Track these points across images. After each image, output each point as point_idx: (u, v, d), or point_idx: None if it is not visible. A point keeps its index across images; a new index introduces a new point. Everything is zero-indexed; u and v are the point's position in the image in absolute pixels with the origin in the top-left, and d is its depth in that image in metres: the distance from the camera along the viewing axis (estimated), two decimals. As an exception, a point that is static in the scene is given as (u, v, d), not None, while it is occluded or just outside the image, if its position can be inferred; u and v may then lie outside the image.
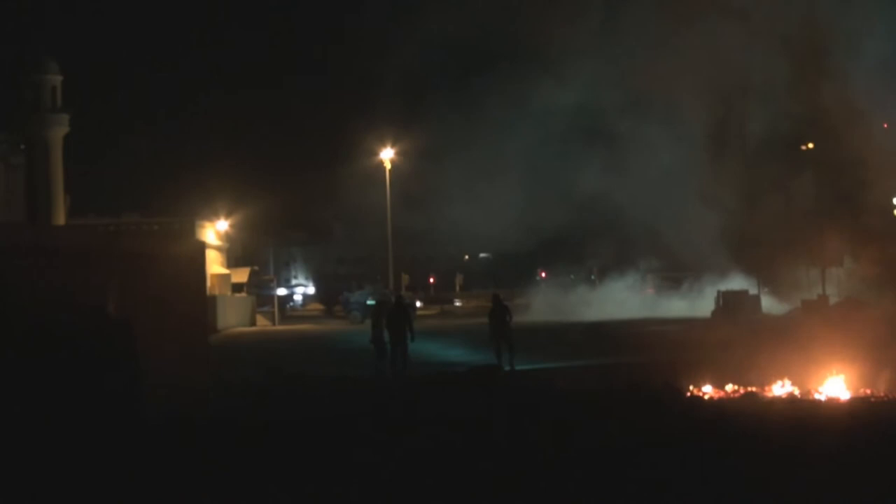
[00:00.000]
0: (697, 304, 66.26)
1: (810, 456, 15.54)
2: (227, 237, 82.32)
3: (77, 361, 19.69)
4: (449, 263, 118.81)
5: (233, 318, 70.82)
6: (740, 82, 59.42)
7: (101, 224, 57.27)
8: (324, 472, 15.94)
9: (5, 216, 68.63)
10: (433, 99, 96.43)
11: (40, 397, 18.64)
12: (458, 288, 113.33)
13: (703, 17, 54.09)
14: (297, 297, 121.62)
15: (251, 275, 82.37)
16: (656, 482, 14.53)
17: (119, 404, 19.51)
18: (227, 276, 76.92)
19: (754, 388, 22.72)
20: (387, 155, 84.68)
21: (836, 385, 22.10)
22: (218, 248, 77.12)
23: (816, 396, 21.83)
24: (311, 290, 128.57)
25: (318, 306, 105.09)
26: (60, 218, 70.04)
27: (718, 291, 63.05)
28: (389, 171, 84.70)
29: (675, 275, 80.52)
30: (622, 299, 76.79)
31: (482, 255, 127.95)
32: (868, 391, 21.93)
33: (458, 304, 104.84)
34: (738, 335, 35.80)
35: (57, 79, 72.53)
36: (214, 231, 78.61)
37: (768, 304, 61.67)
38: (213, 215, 79.35)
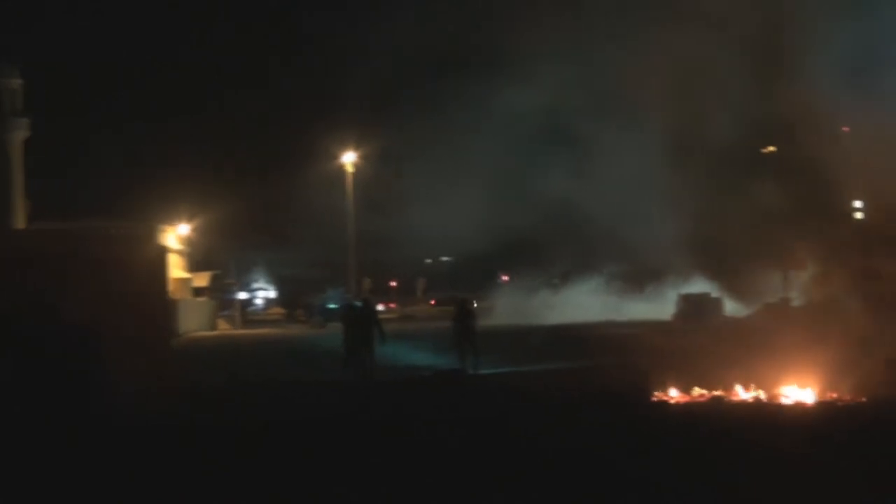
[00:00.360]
0: (659, 307, 66.34)
1: (784, 460, 15.49)
2: (188, 241, 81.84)
3: (37, 366, 19.50)
4: (411, 267, 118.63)
5: (194, 322, 70.43)
6: (702, 85, 59.57)
7: (61, 229, 56.70)
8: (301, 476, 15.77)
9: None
10: (396, 102, 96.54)
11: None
12: (420, 292, 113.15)
13: (665, 21, 54.22)
14: (259, 301, 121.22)
15: (212, 279, 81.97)
16: (627, 487, 14.41)
17: (78, 408, 19.33)
18: (188, 281, 76.54)
19: (720, 392, 22.66)
20: (349, 158, 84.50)
21: (801, 389, 22.06)
22: (179, 253, 76.63)
23: (783, 400, 21.79)
24: (272, 294, 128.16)
25: (280, 310, 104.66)
26: (20, 223, 69.47)
27: (679, 294, 63.21)
28: (352, 174, 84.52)
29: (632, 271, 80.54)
30: (584, 303, 76.80)
31: (444, 258, 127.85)
32: (834, 395, 21.90)
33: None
34: (701, 338, 35.83)
35: (17, 83, 71.98)
36: (175, 235, 78.13)
37: (730, 307, 61.83)
38: (174, 219, 78.85)
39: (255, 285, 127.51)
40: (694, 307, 59.83)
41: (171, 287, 53.68)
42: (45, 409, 18.92)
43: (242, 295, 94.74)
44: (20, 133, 71.13)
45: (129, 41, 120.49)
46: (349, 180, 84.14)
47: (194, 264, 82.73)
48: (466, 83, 72.26)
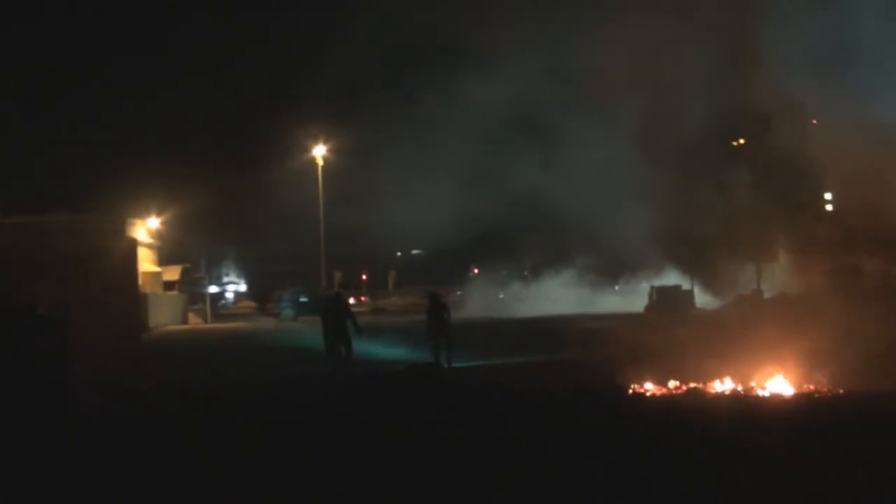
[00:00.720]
0: (631, 299, 66.45)
1: (770, 455, 15.43)
2: (158, 235, 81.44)
3: (6, 360, 19.25)
4: (381, 260, 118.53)
5: (164, 316, 70.12)
6: (673, 78, 59.61)
7: (29, 223, 56.25)
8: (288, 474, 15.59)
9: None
10: (366, 96, 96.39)
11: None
12: (391, 285, 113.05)
13: (635, 13, 54.20)
14: (229, 295, 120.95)
15: (183, 272, 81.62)
16: (610, 481, 14.30)
17: (48, 403, 19.11)
18: (158, 274, 76.14)
19: (696, 385, 22.59)
20: (319, 152, 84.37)
21: (778, 381, 22.01)
22: (149, 246, 76.25)
23: (760, 392, 21.73)
24: (242, 287, 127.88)
25: (250, 304, 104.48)
26: (-13, 217, 68.91)
27: (652, 287, 63.31)
28: (322, 167, 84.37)
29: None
30: (556, 295, 76.87)
31: (415, 251, 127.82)
32: (811, 387, 21.87)
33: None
34: (674, 331, 35.81)
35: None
36: (146, 229, 77.76)
37: (702, 299, 61.99)
38: (144, 213, 78.46)
39: (226, 279, 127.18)
40: (666, 300, 59.91)
41: (141, 281, 53.47)
42: (23, 408, 18.65)
43: (213, 289, 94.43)
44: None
45: (97, 33, 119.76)
46: (319, 174, 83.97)
47: (165, 258, 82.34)
48: (436, 76, 72.31)
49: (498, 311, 69.55)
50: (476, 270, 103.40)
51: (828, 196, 57.95)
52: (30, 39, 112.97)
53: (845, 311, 29.33)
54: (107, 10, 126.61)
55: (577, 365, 29.13)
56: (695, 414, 19.29)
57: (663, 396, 21.98)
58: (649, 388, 22.68)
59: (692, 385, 22.63)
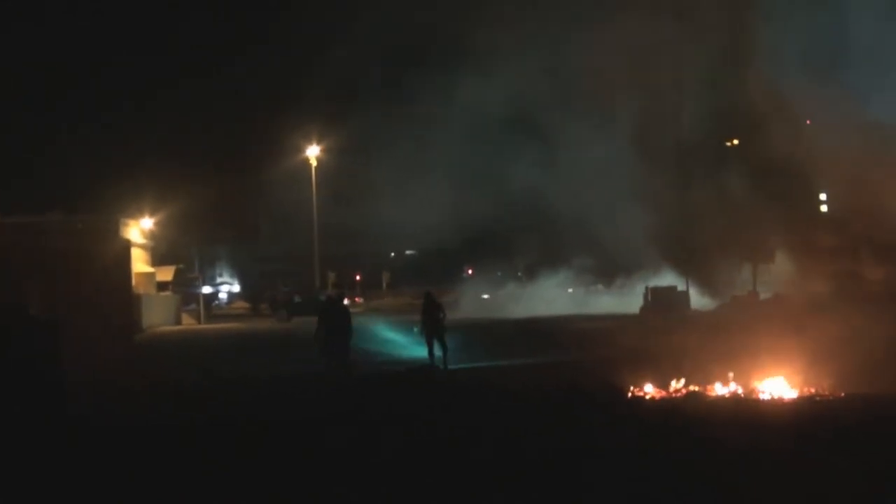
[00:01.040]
0: (627, 300, 66.23)
1: (775, 459, 15.29)
2: (151, 235, 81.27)
3: (6, 362, 19.10)
4: (375, 261, 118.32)
5: (158, 316, 69.92)
6: (670, 79, 59.58)
7: (25, 222, 56.10)
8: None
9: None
10: (360, 96, 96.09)
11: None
12: (384, 285, 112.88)
13: (632, 15, 54.17)
14: (223, 296, 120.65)
15: (176, 273, 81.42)
16: (611, 484, 14.13)
17: (42, 403, 18.95)
18: (152, 275, 75.95)
19: (697, 388, 22.39)
20: (313, 152, 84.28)
21: (778, 384, 21.82)
22: (143, 247, 76.05)
23: (761, 396, 21.54)
24: (236, 288, 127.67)
25: (244, 304, 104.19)
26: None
27: (647, 288, 63.06)
28: (316, 168, 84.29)
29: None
30: (552, 296, 76.68)
31: (409, 252, 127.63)
32: (812, 390, 21.67)
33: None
34: (671, 332, 35.72)
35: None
36: (139, 229, 77.60)
37: (698, 300, 61.82)
38: (137, 213, 78.33)
39: (219, 279, 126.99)
40: (661, 301, 59.69)
41: (134, 281, 53.28)
42: (22, 408, 18.46)
43: (206, 289, 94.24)
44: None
45: (97, 33, 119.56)
46: (313, 174, 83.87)
47: (158, 258, 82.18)
48: (431, 76, 72.08)
49: (492, 312, 69.33)
50: (470, 271, 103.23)
51: (822, 197, 57.92)
52: (30, 39, 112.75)
53: (843, 313, 29.26)
54: (107, 10, 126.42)
55: (571, 366, 28.99)
56: (695, 416, 19.13)
57: (663, 399, 21.77)
58: (648, 390, 22.48)
59: (692, 388, 22.43)
